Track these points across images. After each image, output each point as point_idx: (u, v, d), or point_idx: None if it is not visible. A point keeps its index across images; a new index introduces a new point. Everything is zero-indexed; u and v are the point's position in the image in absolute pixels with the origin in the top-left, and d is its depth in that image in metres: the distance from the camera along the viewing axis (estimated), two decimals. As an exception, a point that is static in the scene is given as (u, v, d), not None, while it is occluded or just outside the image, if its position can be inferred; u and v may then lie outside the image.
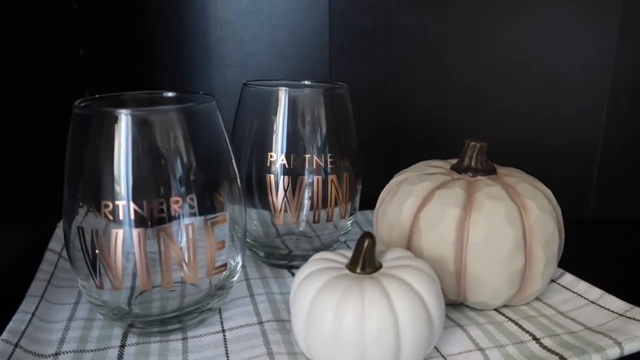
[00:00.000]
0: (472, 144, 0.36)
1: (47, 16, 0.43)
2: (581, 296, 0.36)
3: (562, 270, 0.39)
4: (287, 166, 0.38)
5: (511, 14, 0.51)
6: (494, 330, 0.32)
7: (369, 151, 0.55)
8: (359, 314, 0.26)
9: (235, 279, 0.35)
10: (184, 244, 0.29)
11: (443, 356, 0.30)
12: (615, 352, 0.29)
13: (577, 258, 0.44)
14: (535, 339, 0.31)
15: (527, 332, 0.32)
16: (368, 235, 0.29)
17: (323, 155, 0.38)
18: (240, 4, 0.51)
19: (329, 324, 0.27)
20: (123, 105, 0.32)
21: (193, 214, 0.29)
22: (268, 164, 0.38)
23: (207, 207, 0.30)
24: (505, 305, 0.36)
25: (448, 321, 0.34)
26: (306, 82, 0.43)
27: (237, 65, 0.53)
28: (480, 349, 0.30)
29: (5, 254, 0.36)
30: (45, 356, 0.30)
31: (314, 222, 0.39)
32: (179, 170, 0.30)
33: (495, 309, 0.35)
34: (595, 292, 0.36)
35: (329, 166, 0.39)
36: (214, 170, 0.32)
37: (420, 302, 0.27)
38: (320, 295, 0.27)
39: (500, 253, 0.32)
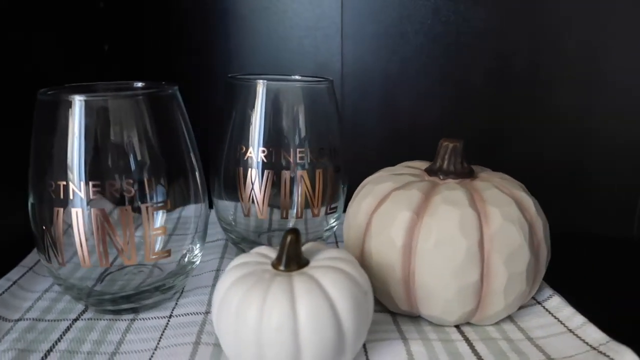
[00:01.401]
0: (444, 144, 0.33)
1: (74, 14, 0.47)
2: (561, 322, 0.31)
3: (551, 292, 0.34)
4: (255, 159, 0.38)
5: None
6: (440, 348, 0.29)
7: (384, 151, 0.53)
8: (259, 311, 0.25)
9: (196, 263, 0.36)
10: (119, 226, 0.30)
11: (369, 367, 0.28)
12: (565, 389, 0.25)
13: (599, 280, 0.39)
14: (481, 363, 0.28)
15: (476, 354, 0.29)
16: (291, 231, 0.28)
17: (292, 150, 0.38)
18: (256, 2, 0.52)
19: (232, 318, 0.26)
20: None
21: (131, 198, 0.30)
22: (237, 156, 0.38)
23: (148, 193, 0.31)
24: (469, 323, 0.32)
25: (394, 332, 0.31)
26: (296, 77, 0.43)
27: (258, 63, 0.54)
28: (414, 366, 0.28)
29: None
30: (8, 320, 0.33)
31: (282, 217, 0.39)
32: (123, 156, 0.31)
33: (458, 326, 0.32)
34: (577, 320, 0.31)
35: (298, 162, 0.38)
36: (164, 158, 0.33)
37: (328, 306, 0.25)
38: (232, 288, 0.27)
39: (450, 263, 0.29)
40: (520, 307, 0.34)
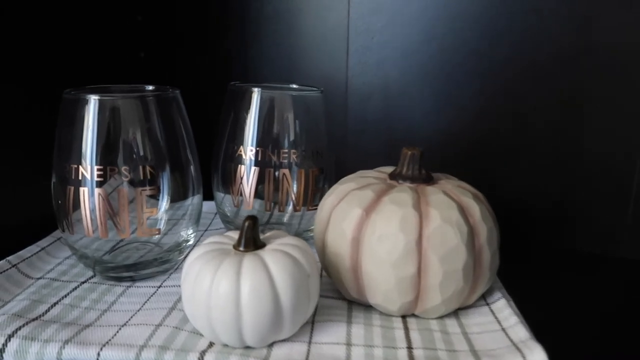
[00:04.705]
0: (404, 151, 0.37)
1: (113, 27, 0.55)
2: (498, 321, 0.34)
3: (501, 295, 0.36)
4: (245, 157, 0.43)
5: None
6: (378, 332, 0.33)
7: (382, 158, 0.57)
8: (211, 280, 0.30)
9: (189, 242, 0.42)
10: (116, 204, 0.36)
11: (309, 342, 0.32)
12: (472, 375, 0.28)
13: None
14: (409, 348, 0.31)
15: (408, 340, 0.32)
16: (249, 218, 0.32)
17: (277, 151, 0.42)
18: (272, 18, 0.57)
19: (192, 284, 0.31)
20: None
21: (129, 183, 0.36)
22: (232, 154, 0.43)
23: (143, 179, 0.37)
24: (415, 316, 0.35)
25: (343, 316, 0.35)
26: (293, 86, 0.47)
27: (270, 72, 0.59)
28: (348, 344, 0.31)
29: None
30: (30, 278, 0.40)
31: (266, 210, 0.43)
32: (126, 147, 0.37)
33: (403, 317, 0.35)
34: (512, 320, 0.33)
35: (282, 162, 0.42)
36: (162, 152, 0.38)
37: (269, 283, 0.30)
38: (196, 260, 0.32)
39: (390, 256, 0.32)
40: (470, 307, 0.36)
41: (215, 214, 0.55)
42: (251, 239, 0.32)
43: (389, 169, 0.40)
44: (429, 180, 0.37)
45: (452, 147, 0.54)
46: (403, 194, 0.34)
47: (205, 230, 0.51)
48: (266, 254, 0.31)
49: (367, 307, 0.36)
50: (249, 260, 0.31)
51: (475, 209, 0.34)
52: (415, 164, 0.36)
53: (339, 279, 0.35)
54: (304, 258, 0.32)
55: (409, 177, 0.36)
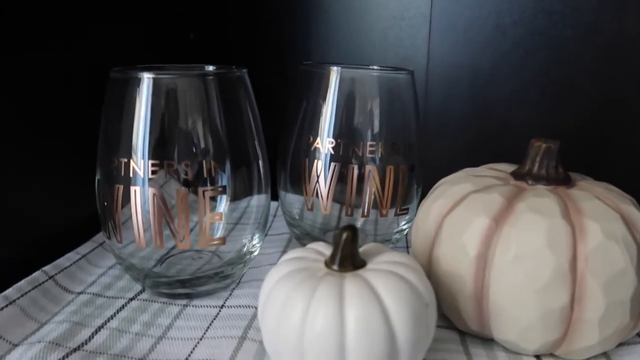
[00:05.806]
0: (536, 144, 0.29)
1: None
2: (672, 370, 0.26)
3: (663, 331, 0.28)
4: (322, 151, 0.35)
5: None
6: (513, 380, 0.25)
7: (469, 153, 0.49)
8: (304, 312, 0.23)
9: (254, 254, 0.35)
10: (174, 208, 0.29)
11: (425, 391, 0.24)
12: None
13: None
14: (563, 405, 0.23)
15: (557, 393, 0.24)
16: (347, 228, 0.25)
17: (362, 144, 0.35)
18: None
19: (276, 315, 0.24)
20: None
21: (188, 181, 0.30)
22: (305, 147, 0.36)
23: (207, 177, 0.30)
24: (552, 355, 0.27)
25: (459, 354, 0.27)
26: (374, 67, 0.40)
27: (338, 54, 0.52)
28: (478, 397, 0.24)
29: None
30: (70, 292, 0.33)
31: (346, 214, 0.36)
32: (186, 137, 0.30)
33: (538, 357, 0.27)
34: (695, 369, 0.25)
35: (368, 156, 0.35)
36: (227, 144, 0.31)
37: (381, 315, 0.22)
38: (279, 282, 0.25)
39: (532, 282, 0.25)
40: (621, 344, 0.28)
41: (274, 215, 0.48)
42: (349, 256, 0.25)
43: (508, 167, 0.32)
44: (568, 182, 0.29)
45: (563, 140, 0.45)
46: (545, 199, 0.26)
47: (265, 235, 0.44)
48: (371, 275, 0.24)
49: (486, 341, 0.29)
50: (351, 285, 0.23)
51: (640, 220, 0.26)
52: (552, 161, 0.28)
53: (455, 307, 0.28)
54: (420, 282, 0.24)
55: (542, 177, 0.28)
